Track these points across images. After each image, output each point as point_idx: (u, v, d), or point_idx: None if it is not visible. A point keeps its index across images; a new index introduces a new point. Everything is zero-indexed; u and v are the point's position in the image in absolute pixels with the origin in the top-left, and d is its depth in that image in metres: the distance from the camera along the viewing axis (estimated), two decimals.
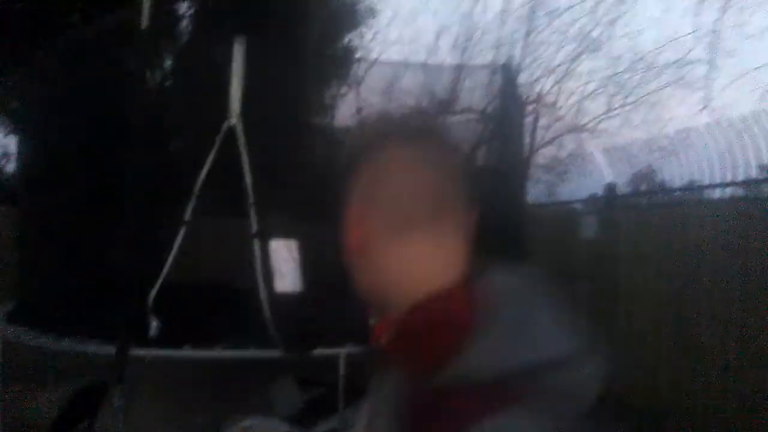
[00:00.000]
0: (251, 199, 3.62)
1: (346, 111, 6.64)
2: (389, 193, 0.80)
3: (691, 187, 5.79)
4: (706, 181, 5.34)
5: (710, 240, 4.75)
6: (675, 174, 6.01)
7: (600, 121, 13.08)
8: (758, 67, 11.96)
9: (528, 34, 12.39)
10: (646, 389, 5.20)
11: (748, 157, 4.87)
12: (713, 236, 4.73)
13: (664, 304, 5.20)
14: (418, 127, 0.87)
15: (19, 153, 4.36)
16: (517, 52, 12.08)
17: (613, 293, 6.00)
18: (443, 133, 0.92)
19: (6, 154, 11.04)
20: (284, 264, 3.88)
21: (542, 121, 12.46)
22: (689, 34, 12.18)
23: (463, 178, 0.83)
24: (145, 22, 3.16)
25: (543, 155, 12.64)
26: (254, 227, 3.62)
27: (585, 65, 14.91)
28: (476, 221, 0.83)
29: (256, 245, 3.60)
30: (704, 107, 10.71)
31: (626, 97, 12.74)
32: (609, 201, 6.95)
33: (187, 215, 3.41)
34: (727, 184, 5.14)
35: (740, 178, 4.94)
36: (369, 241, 0.80)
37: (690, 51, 11.55)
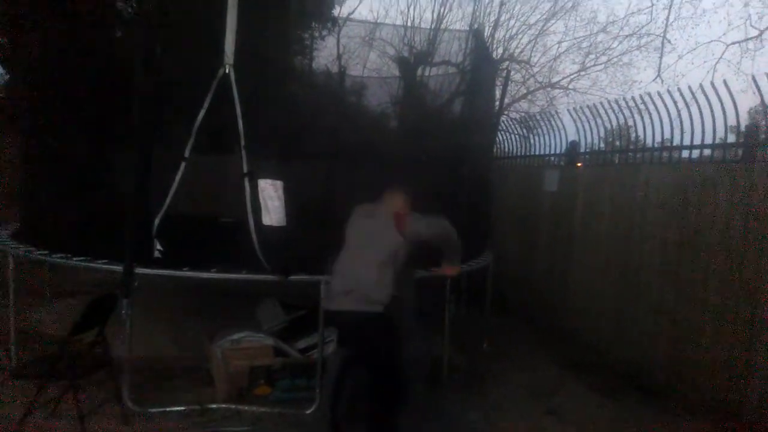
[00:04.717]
0: (242, 142, 3.99)
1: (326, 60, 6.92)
2: None
3: (640, 149, 6.31)
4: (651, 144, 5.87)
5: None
6: (634, 135, 6.53)
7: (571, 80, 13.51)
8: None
9: None
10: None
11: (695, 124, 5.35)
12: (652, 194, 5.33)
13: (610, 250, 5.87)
14: None
15: (23, 83, 4.57)
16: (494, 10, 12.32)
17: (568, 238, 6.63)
18: None
19: None
20: (270, 201, 4.34)
21: (516, 77, 12.82)
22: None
23: None
24: None
25: (515, 110, 13.07)
26: (244, 168, 4.01)
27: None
28: None
29: (246, 184, 4.00)
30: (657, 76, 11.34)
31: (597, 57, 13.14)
32: (570, 158, 7.46)
33: (187, 152, 3.79)
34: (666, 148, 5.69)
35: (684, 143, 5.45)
36: None
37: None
